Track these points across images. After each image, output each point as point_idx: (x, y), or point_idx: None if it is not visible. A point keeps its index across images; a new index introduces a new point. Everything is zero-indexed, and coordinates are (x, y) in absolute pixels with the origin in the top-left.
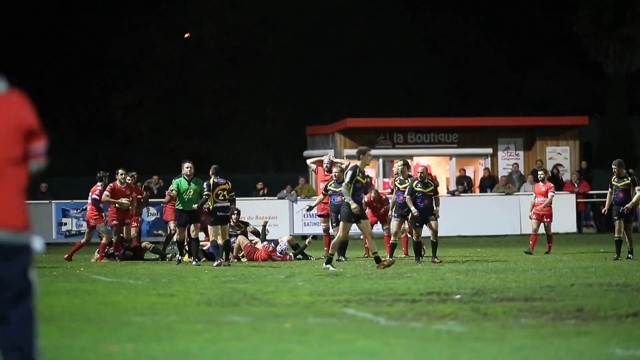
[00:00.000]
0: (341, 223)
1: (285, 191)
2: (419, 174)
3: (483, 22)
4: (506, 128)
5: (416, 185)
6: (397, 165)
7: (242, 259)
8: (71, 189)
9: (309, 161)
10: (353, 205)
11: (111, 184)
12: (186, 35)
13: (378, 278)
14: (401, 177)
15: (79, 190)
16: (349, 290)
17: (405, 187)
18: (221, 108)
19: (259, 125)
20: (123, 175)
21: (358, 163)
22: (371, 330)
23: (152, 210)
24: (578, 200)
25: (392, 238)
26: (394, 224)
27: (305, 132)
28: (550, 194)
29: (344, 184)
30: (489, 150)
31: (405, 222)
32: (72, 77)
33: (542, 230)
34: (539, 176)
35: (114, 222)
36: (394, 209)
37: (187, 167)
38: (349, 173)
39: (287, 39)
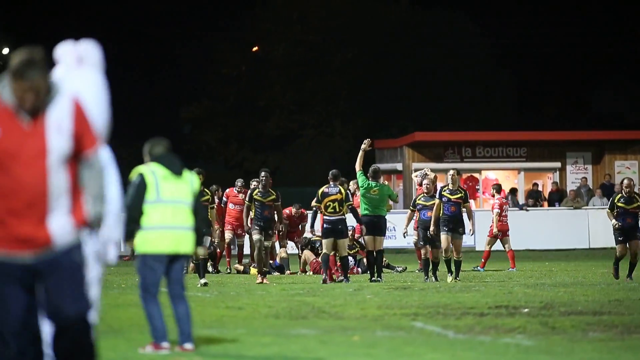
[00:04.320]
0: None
1: None
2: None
3: (551, 37)
4: (574, 142)
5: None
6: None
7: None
8: None
9: (413, 175)
10: None
11: None
12: (255, 48)
13: (446, 291)
14: (451, 187)
15: None
16: (417, 303)
17: (459, 198)
18: (289, 122)
19: (327, 139)
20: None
21: None
22: (439, 344)
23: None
24: None
25: (443, 254)
26: (443, 238)
27: (373, 146)
28: None
29: None
30: (558, 164)
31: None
32: (141, 91)
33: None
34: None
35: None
36: (440, 222)
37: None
38: None
39: (355, 53)
